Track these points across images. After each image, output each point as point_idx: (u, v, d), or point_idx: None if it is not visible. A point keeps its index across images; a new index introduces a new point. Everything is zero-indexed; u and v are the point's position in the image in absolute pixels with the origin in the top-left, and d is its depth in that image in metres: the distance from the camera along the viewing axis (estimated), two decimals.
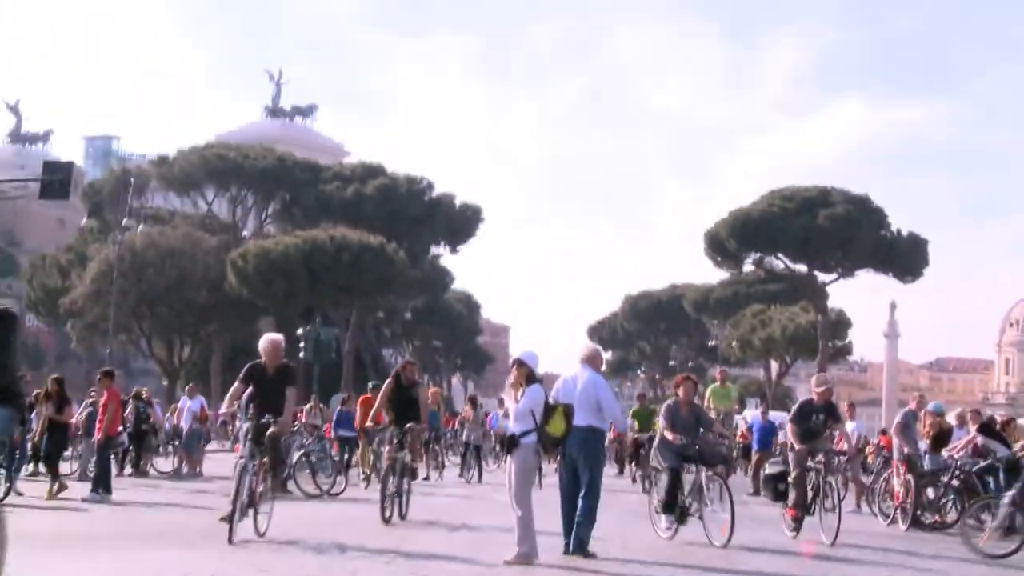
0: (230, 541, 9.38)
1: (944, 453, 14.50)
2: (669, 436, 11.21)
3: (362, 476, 18.62)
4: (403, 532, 11.28)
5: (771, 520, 12.90)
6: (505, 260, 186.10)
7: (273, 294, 53.53)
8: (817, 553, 10.82)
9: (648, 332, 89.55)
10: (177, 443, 22.46)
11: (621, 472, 23.83)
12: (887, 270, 58.98)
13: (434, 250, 68.44)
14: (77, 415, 18.79)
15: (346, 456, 20.11)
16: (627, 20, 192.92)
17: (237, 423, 10.19)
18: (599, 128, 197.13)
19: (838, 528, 11.28)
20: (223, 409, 10.56)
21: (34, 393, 17.36)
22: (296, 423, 19.64)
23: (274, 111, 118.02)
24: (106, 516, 13.00)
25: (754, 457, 20.95)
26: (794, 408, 13.29)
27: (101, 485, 14.95)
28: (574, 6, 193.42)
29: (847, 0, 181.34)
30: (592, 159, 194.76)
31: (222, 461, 17.78)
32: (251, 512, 9.74)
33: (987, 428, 14.83)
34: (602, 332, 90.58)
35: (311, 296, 55.15)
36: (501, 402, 12.06)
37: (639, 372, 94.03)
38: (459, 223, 66.35)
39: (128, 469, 19.97)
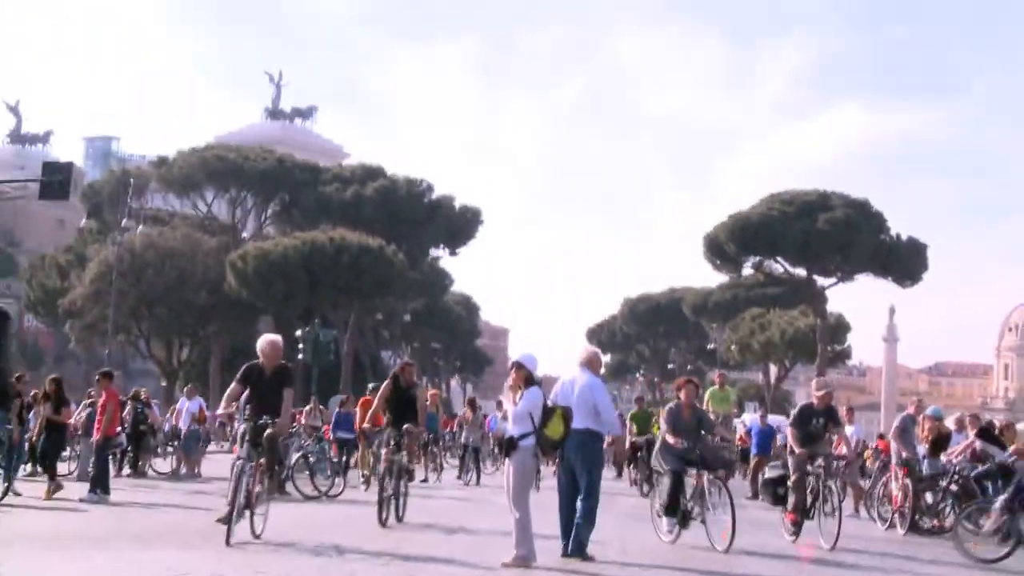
0: (228, 542, 9.37)
1: (943, 458, 14.50)
2: (671, 440, 11.21)
3: (362, 478, 18.61)
4: (401, 534, 11.27)
5: (770, 524, 12.89)
6: (504, 262, 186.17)
7: (272, 295, 53.54)
8: (815, 557, 10.82)
9: (647, 335, 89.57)
10: (176, 444, 22.44)
11: (620, 475, 23.83)
12: (886, 274, 58.98)
13: (433, 252, 68.48)
14: (76, 415, 18.79)
15: (344, 458, 20.11)
16: (627, 23, 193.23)
17: (236, 424, 10.17)
18: (599, 131, 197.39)
19: (838, 533, 11.27)
20: (220, 410, 10.53)
21: (32, 393, 17.35)
22: (295, 424, 19.64)
23: (274, 113, 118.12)
24: (104, 517, 12.99)
25: (752, 461, 20.96)
26: (794, 412, 13.28)
27: (99, 486, 14.94)
28: (574, 8, 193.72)
29: (847, 4, 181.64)
30: (591, 162, 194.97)
31: (221, 462, 17.76)
32: (247, 513, 9.74)
33: (986, 433, 14.82)
34: (601, 335, 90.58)
35: (310, 298, 55.15)
36: (500, 404, 12.06)
37: (638, 375, 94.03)
38: (458, 225, 66.36)
39: (126, 470, 19.96)
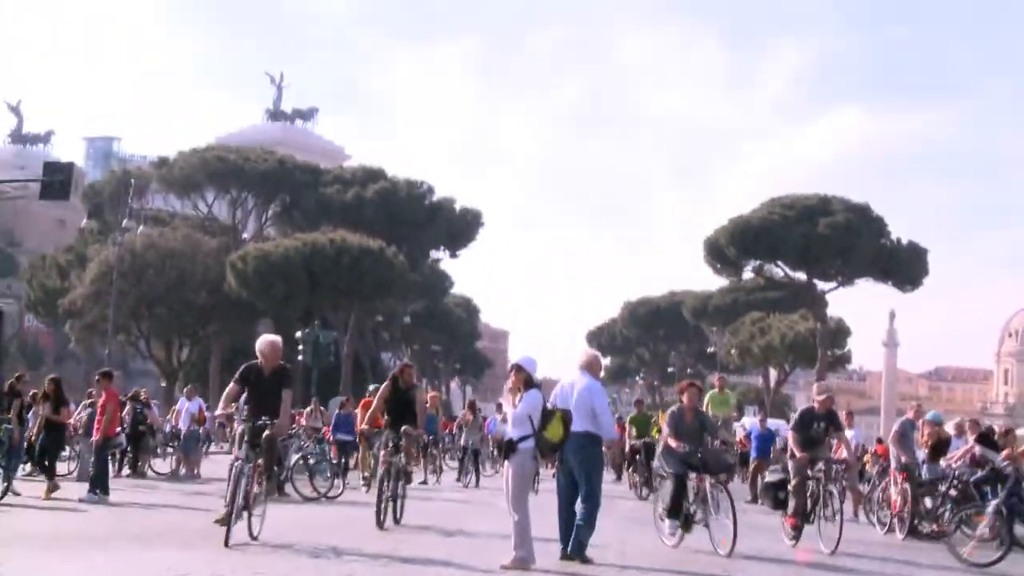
0: (226, 543, 9.37)
1: (942, 462, 14.51)
2: (673, 443, 11.21)
3: (362, 480, 18.62)
4: (400, 536, 11.27)
5: (769, 528, 12.89)
6: (504, 265, 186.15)
7: (272, 296, 53.54)
8: (814, 562, 10.81)
9: (647, 338, 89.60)
10: (175, 444, 22.45)
11: (619, 478, 23.83)
12: (887, 279, 58.97)
13: (434, 254, 68.49)
14: (76, 415, 18.80)
15: (343, 459, 20.12)
16: (627, 25, 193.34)
17: (235, 425, 10.14)
18: (599, 133, 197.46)
19: (839, 537, 11.28)
20: (219, 411, 10.50)
21: (31, 393, 17.36)
22: (295, 426, 19.65)
23: (275, 114, 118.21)
24: (103, 517, 13.00)
25: (752, 465, 20.96)
26: (795, 416, 13.29)
27: (98, 486, 14.95)
28: (574, 10, 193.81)
29: (847, 7, 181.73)
30: (592, 163, 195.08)
31: (221, 463, 17.78)
32: (245, 515, 9.74)
33: (985, 438, 14.83)
34: (601, 338, 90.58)
35: (310, 299, 55.16)
36: (499, 407, 12.06)
37: (638, 378, 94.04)
38: (459, 227, 66.37)
39: (126, 470, 19.96)
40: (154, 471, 21.28)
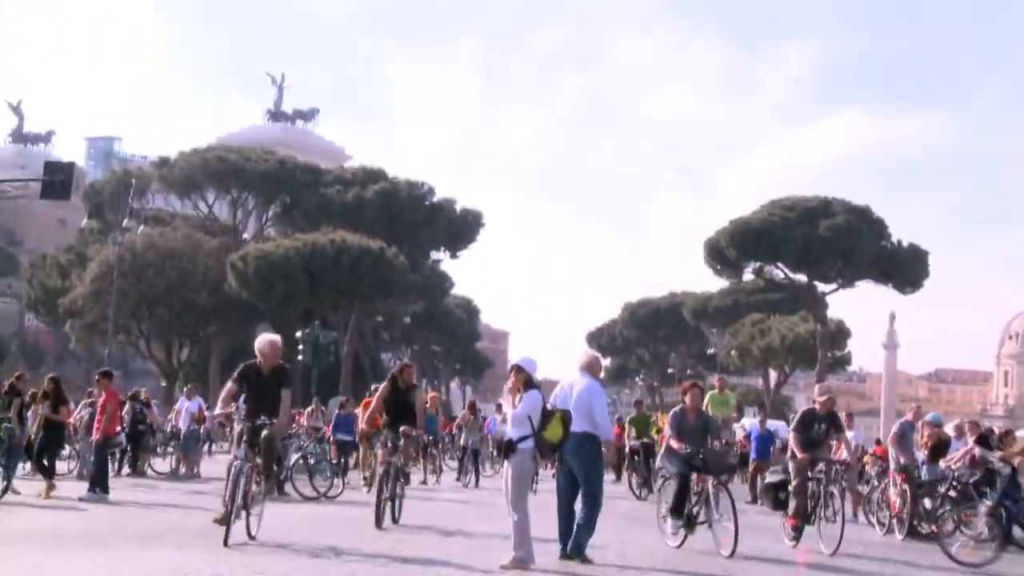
0: (226, 543, 9.37)
1: (942, 464, 14.52)
2: (675, 445, 11.23)
3: (363, 480, 18.63)
4: (400, 536, 11.27)
5: (769, 529, 12.90)
6: (505, 265, 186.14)
7: (273, 297, 53.55)
8: (814, 563, 10.82)
9: (647, 339, 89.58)
10: (175, 444, 22.47)
11: (618, 478, 23.83)
12: (887, 281, 58.95)
13: (434, 255, 68.47)
14: (76, 415, 18.81)
15: (343, 459, 20.12)
16: (628, 26, 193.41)
17: (234, 424, 10.13)
18: (599, 135, 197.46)
19: (840, 538, 11.29)
20: (218, 410, 10.45)
21: (30, 392, 17.37)
22: (295, 426, 19.66)
23: (276, 114, 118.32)
24: (103, 516, 12.99)
25: (752, 466, 20.97)
26: (797, 417, 13.30)
27: (98, 485, 14.96)
28: (575, 11, 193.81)
29: (848, 11, 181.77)
30: (592, 165, 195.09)
31: (221, 462, 17.76)
32: (244, 514, 9.73)
33: (985, 440, 14.83)
34: (601, 339, 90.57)
35: (311, 299, 55.17)
36: (499, 407, 12.06)
37: (637, 379, 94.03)
38: (459, 228, 66.35)
39: (125, 469, 19.97)
40: (154, 470, 21.29)
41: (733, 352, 67.42)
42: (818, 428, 12.23)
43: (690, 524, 10.99)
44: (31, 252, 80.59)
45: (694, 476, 11.03)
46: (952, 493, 13.74)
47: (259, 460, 9.92)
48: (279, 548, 9.70)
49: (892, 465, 15.02)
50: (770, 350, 63.62)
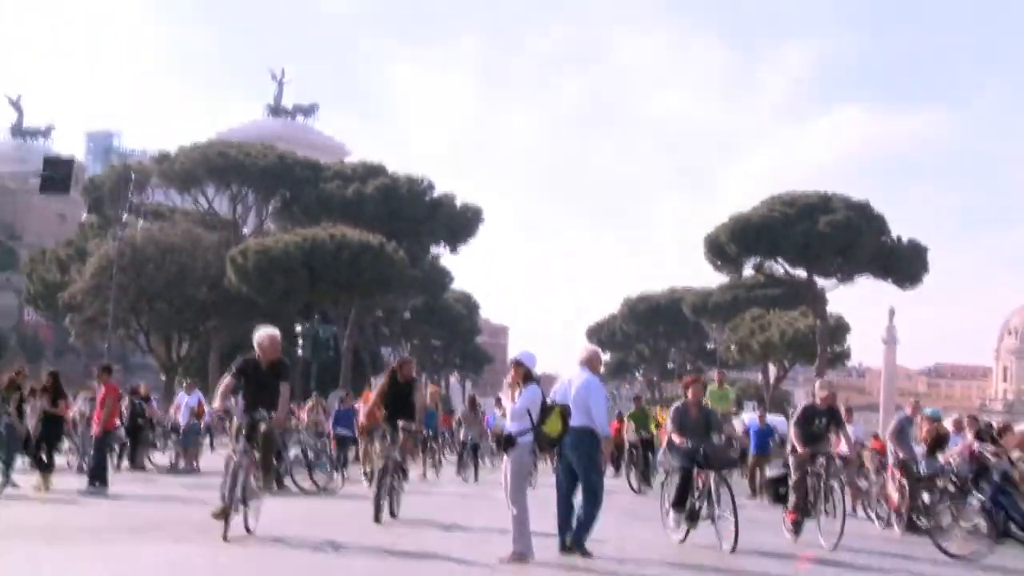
0: (225, 537, 9.38)
1: (940, 458, 14.52)
2: (676, 440, 11.25)
3: (364, 474, 18.64)
4: (399, 531, 11.28)
5: (768, 524, 12.92)
6: (505, 261, 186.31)
7: (272, 291, 53.52)
8: (814, 557, 10.83)
9: (647, 335, 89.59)
10: (175, 438, 22.48)
11: (618, 471, 23.86)
12: (887, 276, 58.95)
13: (434, 250, 68.40)
14: (76, 409, 18.83)
15: (342, 454, 20.12)
16: (628, 26, 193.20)
17: (233, 418, 10.10)
18: (600, 132, 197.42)
19: (841, 533, 11.32)
20: (216, 405, 10.37)
21: (29, 387, 17.37)
22: (295, 420, 19.66)
23: (276, 110, 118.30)
24: (102, 510, 13.01)
25: (751, 460, 20.98)
26: (797, 411, 13.31)
27: (98, 479, 14.98)
28: (575, 11, 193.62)
29: (849, 8, 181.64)
30: (592, 163, 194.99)
31: (222, 457, 17.81)
32: (242, 508, 9.73)
33: (984, 434, 14.84)
34: (601, 334, 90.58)
35: (310, 294, 55.13)
36: (499, 402, 12.07)
37: (637, 374, 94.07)
38: (459, 223, 66.29)
39: (125, 463, 19.99)
40: (153, 464, 21.31)
41: (733, 347, 67.45)
42: (819, 423, 12.24)
43: (692, 518, 11.02)
44: (31, 246, 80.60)
45: (696, 470, 11.05)
46: (950, 488, 13.77)
47: (257, 454, 9.91)
48: (278, 542, 9.71)
49: (890, 460, 15.03)
50: (769, 345, 63.65)
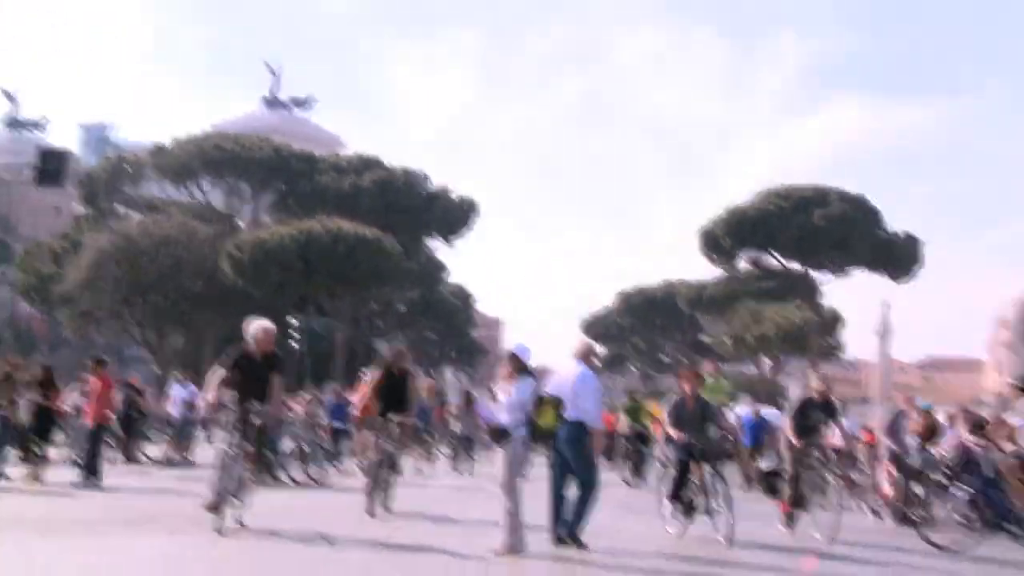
0: (216, 530, 9.39)
1: (933, 451, 14.57)
2: (673, 434, 11.28)
3: (359, 466, 18.63)
4: (393, 523, 11.29)
5: (763, 515, 12.96)
6: (501, 254, 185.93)
7: (268, 284, 53.51)
8: (806, 548, 10.86)
9: (642, 328, 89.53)
10: (170, 431, 22.47)
11: (609, 460, 23.87)
12: (882, 269, 59.11)
13: (430, 243, 68.41)
14: (68, 402, 18.79)
15: (336, 446, 20.11)
16: (626, 22, 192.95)
17: (227, 411, 10.07)
18: (597, 126, 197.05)
19: (835, 526, 11.35)
20: (209, 397, 10.31)
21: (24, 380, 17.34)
22: (290, 413, 19.62)
23: (272, 102, 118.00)
24: (95, 502, 13.01)
25: (744, 453, 21.01)
26: (793, 404, 13.33)
27: (91, 471, 14.97)
28: (575, 8, 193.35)
29: (846, 2, 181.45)
30: (589, 156, 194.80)
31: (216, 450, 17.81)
32: (233, 500, 9.74)
33: (976, 427, 14.88)
34: (596, 327, 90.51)
35: (306, 287, 55.14)
36: (493, 394, 12.08)
37: (632, 367, 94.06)
38: (455, 216, 66.31)
39: (118, 456, 19.96)
40: (147, 457, 21.29)
41: (727, 340, 67.50)
42: (815, 416, 12.28)
43: (689, 511, 11.05)
44: (25, 239, 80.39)
45: (692, 463, 11.08)
46: (943, 480, 13.81)
47: (250, 447, 9.90)
48: (272, 535, 9.71)
49: (884, 453, 15.08)
50: (764, 338, 63.67)
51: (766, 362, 69.25)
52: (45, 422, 15.86)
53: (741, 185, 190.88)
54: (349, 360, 56.62)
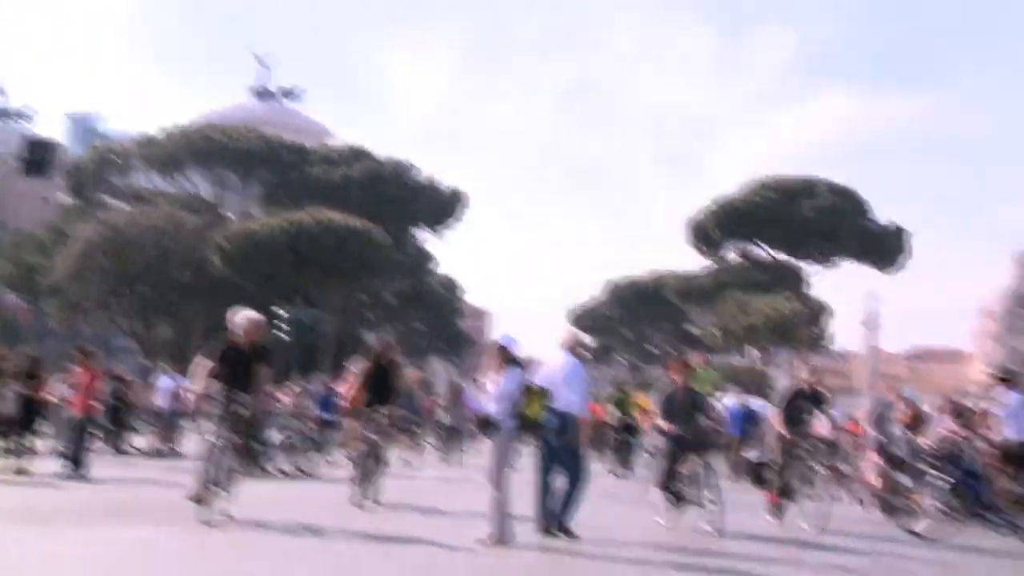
0: (203, 521, 9.36)
1: (920, 441, 14.62)
2: (664, 426, 11.30)
3: (347, 457, 18.61)
4: (381, 514, 11.29)
5: (750, 506, 12.99)
6: (489, 245, 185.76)
7: (258, 275, 53.39)
8: (795, 539, 10.89)
9: (630, 319, 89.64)
10: (158, 422, 22.42)
11: (598, 452, 23.91)
12: (870, 260, 59.27)
13: (418, 234, 68.35)
14: (56, 392, 18.71)
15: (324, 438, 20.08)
16: (614, 11, 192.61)
17: (213, 402, 10.03)
18: (585, 116, 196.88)
19: (825, 517, 11.40)
20: (196, 388, 10.26)
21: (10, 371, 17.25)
22: (279, 404, 19.59)
23: (261, 93, 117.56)
24: (81, 493, 12.96)
25: (732, 443, 21.07)
26: (782, 395, 13.37)
27: (77, 462, 14.93)
28: None
29: None
30: (578, 147, 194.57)
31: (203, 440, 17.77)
32: (219, 491, 9.71)
33: (963, 418, 14.93)
34: (584, 318, 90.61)
35: (296, 278, 55.03)
36: (480, 384, 12.10)
37: (619, 358, 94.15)
38: (444, 207, 66.27)
39: (105, 446, 19.92)
40: (133, 448, 21.25)
41: (715, 331, 67.60)
42: (804, 406, 12.31)
43: (679, 501, 11.08)
44: (12, 229, 79.99)
45: (682, 454, 11.11)
46: (927, 470, 13.86)
47: (237, 438, 9.88)
48: (259, 526, 9.69)
49: (870, 443, 15.13)
50: (752, 329, 63.80)
51: (754, 353, 69.44)
52: (31, 413, 15.79)
53: (729, 176, 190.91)
54: (337, 351, 56.58)
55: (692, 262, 70.42)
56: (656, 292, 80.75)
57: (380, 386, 12.39)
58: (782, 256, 60.15)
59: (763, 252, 60.96)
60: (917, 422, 14.74)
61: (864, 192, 61.33)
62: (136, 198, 62.54)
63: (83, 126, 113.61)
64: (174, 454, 20.72)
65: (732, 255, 63.39)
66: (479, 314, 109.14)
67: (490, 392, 9.57)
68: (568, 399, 9.78)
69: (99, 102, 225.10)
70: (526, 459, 10.19)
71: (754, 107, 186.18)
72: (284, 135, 72.39)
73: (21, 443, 15.54)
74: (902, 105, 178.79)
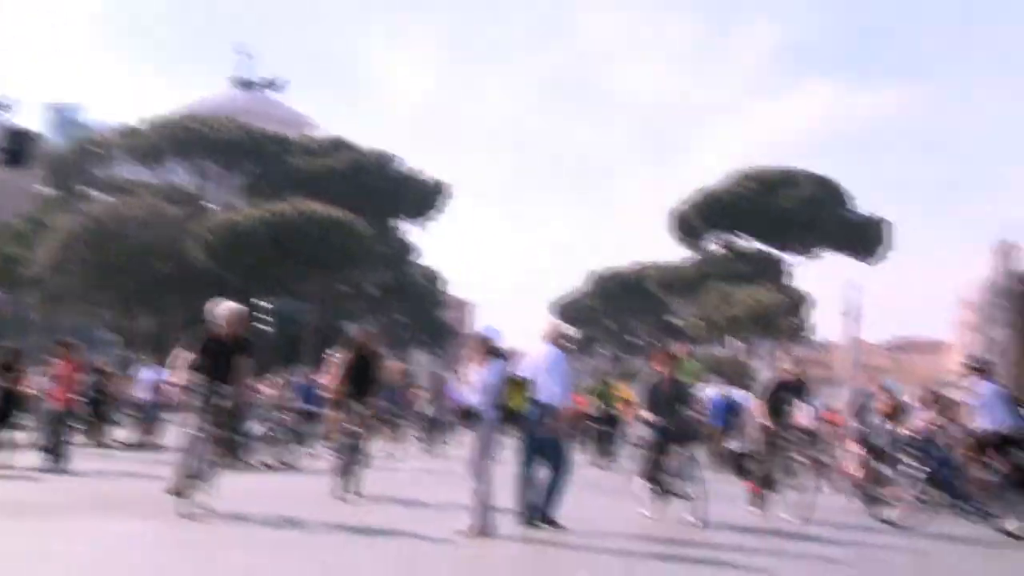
0: (182, 513, 9.33)
1: (901, 431, 14.69)
2: (648, 417, 11.32)
3: (329, 449, 18.57)
4: (363, 506, 11.28)
5: (732, 496, 13.04)
6: (472, 236, 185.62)
7: (239, 267, 53.21)
8: (778, 529, 10.94)
9: (613, 310, 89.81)
10: (140, 415, 22.33)
11: (581, 446, 23.96)
12: (851, 251, 59.53)
13: (401, 225, 68.23)
14: (35, 386, 18.59)
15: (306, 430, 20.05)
16: (599, 1, 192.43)
17: (194, 394, 9.98)
18: (568, 106, 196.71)
19: (809, 507, 11.46)
20: (176, 380, 10.17)
21: None
22: (260, 396, 19.54)
23: (244, 83, 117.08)
24: (61, 486, 12.90)
25: (713, 433, 21.11)
26: (765, 386, 13.41)
27: (57, 455, 14.85)
28: None
29: None
30: (561, 137, 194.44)
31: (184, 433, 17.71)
32: (199, 484, 9.67)
33: (944, 408, 15.02)
34: (566, 309, 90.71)
35: (277, 269, 54.86)
36: (462, 375, 12.09)
37: (602, 350, 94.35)
38: (427, 198, 66.17)
39: (85, 439, 19.82)
40: (115, 440, 21.16)
41: (698, 322, 67.77)
42: (786, 397, 12.35)
43: (663, 493, 11.11)
44: None
45: (667, 445, 11.14)
46: (905, 459, 13.94)
47: (218, 430, 9.85)
48: (240, 519, 9.67)
49: (851, 433, 15.21)
50: (734, 320, 64.01)
51: (736, 344, 69.65)
52: (11, 406, 15.68)
53: (712, 167, 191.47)
54: (319, 343, 56.45)
55: (675, 253, 70.56)
56: (638, 283, 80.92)
57: (362, 378, 12.36)
58: (764, 247, 60.31)
59: (745, 243, 61.11)
60: (897, 412, 14.82)
61: (846, 183, 61.58)
62: (117, 189, 62.16)
63: (64, 116, 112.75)
64: (155, 447, 20.64)
65: (714, 246, 63.56)
66: (462, 305, 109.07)
67: (472, 383, 9.56)
68: (551, 390, 9.79)
69: (80, 92, 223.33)
70: (507, 451, 10.19)
71: (737, 98, 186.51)
72: (267, 126, 72.08)
73: (0, 437, 15.45)
74: (884, 97, 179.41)
